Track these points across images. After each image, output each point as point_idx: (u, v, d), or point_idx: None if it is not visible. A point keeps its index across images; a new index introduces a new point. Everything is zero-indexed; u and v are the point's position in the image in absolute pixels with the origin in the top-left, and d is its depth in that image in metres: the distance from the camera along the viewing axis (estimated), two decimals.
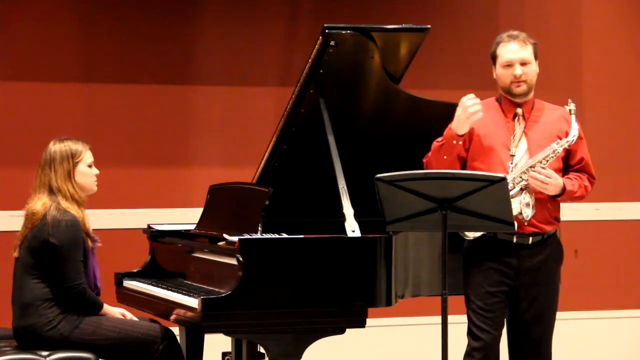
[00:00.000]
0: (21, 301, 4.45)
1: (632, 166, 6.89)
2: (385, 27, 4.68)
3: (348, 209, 4.33)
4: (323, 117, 4.56)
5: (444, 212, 4.02)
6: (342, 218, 4.32)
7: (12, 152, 6.01)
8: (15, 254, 4.53)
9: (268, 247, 4.20)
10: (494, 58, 4.48)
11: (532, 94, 4.48)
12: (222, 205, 4.89)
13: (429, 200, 4.03)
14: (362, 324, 4.26)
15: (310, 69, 4.59)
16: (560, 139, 4.39)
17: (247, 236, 4.23)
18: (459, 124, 4.33)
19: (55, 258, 4.41)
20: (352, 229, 4.28)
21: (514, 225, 4.08)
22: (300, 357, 4.23)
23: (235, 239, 4.20)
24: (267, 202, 4.40)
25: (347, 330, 4.28)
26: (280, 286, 4.17)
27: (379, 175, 4.04)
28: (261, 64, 6.34)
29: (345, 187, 4.38)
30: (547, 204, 4.41)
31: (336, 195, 4.37)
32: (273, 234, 4.35)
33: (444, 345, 4.08)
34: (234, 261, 4.20)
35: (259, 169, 4.91)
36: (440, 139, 4.41)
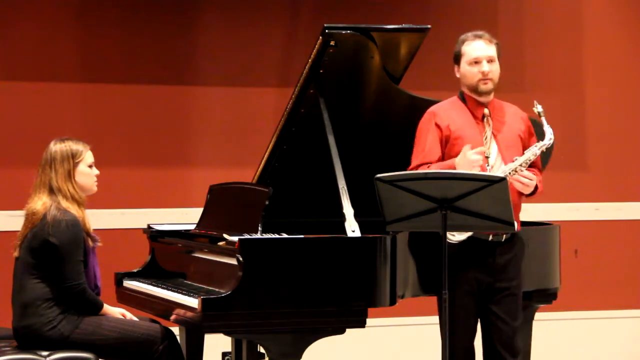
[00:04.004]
0: (21, 301, 4.45)
1: (632, 166, 6.90)
2: (385, 27, 4.68)
3: (348, 209, 4.33)
4: (323, 117, 4.56)
5: (444, 212, 4.02)
6: (342, 218, 4.32)
7: (12, 152, 6.00)
8: (16, 254, 4.53)
9: (268, 247, 4.20)
10: (458, 56, 4.52)
11: (493, 94, 4.52)
12: (222, 205, 4.89)
13: (429, 200, 4.03)
14: (362, 324, 4.27)
15: (310, 69, 4.59)
16: (521, 138, 4.47)
17: (247, 236, 4.23)
18: (459, 167, 4.34)
19: (56, 258, 4.41)
20: (352, 229, 4.28)
21: (514, 225, 4.09)
22: (300, 357, 4.23)
23: (235, 239, 4.20)
24: (267, 202, 4.40)
25: (347, 330, 4.28)
26: (280, 286, 4.17)
27: (379, 175, 4.04)
28: (261, 64, 6.35)
29: (345, 187, 4.38)
30: (517, 203, 4.48)
31: (336, 195, 4.37)
32: (273, 234, 4.35)
33: (444, 345, 4.08)
34: (234, 261, 4.20)
35: (259, 169, 4.91)
36: (435, 167, 4.41)
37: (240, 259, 4.14)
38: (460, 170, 4.33)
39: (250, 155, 5.44)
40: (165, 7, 6.23)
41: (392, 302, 4.32)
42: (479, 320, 4.52)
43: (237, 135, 6.30)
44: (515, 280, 4.49)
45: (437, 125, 4.50)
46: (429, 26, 4.72)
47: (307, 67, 4.59)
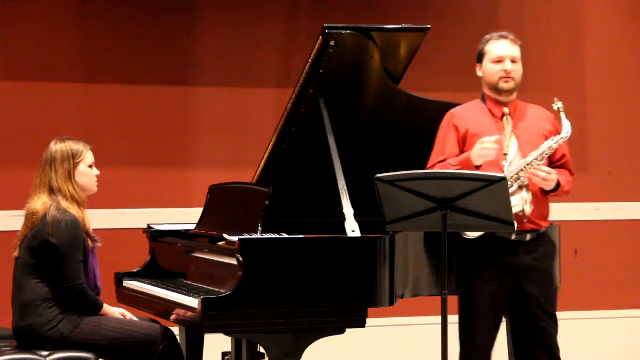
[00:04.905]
0: (21, 301, 4.45)
1: (632, 166, 6.90)
2: (385, 27, 4.68)
3: (348, 209, 4.33)
4: (323, 117, 4.56)
5: (444, 212, 4.02)
6: (342, 218, 4.32)
7: (12, 152, 6.00)
8: (16, 254, 4.53)
9: (268, 247, 4.20)
10: (481, 55, 4.54)
11: (515, 94, 4.53)
12: (222, 205, 4.89)
13: (429, 200, 4.03)
14: (362, 324, 4.26)
15: (310, 69, 4.59)
16: (547, 137, 4.44)
17: (247, 236, 4.23)
18: (475, 158, 4.38)
19: (56, 258, 4.41)
20: (352, 229, 4.28)
21: (513, 225, 4.09)
22: (300, 357, 4.23)
23: (235, 239, 4.20)
24: (267, 202, 4.40)
25: (347, 330, 4.28)
26: (280, 286, 4.17)
27: (378, 175, 4.04)
28: (261, 64, 6.34)
29: (345, 187, 4.38)
30: (541, 200, 4.47)
31: (336, 195, 4.37)
32: (273, 234, 4.35)
33: (444, 345, 4.08)
34: (234, 261, 4.20)
35: (259, 169, 4.91)
36: (453, 162, 4.44)
37: (240, 259, 4.14)
38: (474, 161, 4.35)
39: (250, 155, 5.43)
40: (166, 7, 6.23)
41: (392, 302, 4.32)
42: (499, 322, 4.50)
43: (237, 135, 6.30)
44: (546, 287, 4.46)
45: (455, 126, 4.53)
46: (429, 26, 4.72)
47: (307, 67, 4.59)
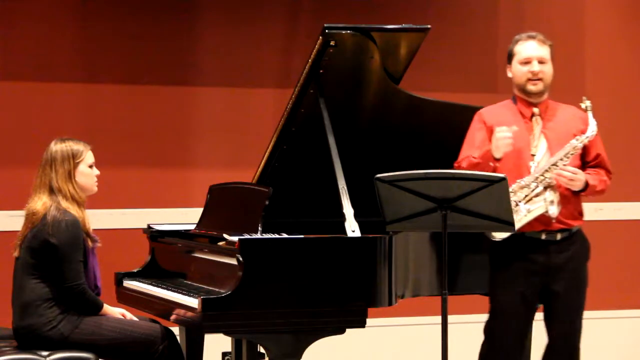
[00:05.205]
0: (21, 301, 4.45)
1: (632, 166, 6.89)
2: (385, 27, 4.68)
3: (348, 209, 4.33)
4: (323, 117, 4.56)
5: (444, 212, 4.02)
6: (342, 218, 4.32)
7: (12, 152, 6.00)
8: (16, 254, 4.53)
9: (268, 247, 4.20)
10: (510, 56, 4.51)
11: (546, 95, 4.51)
12: (222, 205, 4.89)
13: (429, 200, 4.03)
14: (362, 324, 4.26)
15: (310, 69, 4.59)
16: (575, 136, 4.41)
17: (247, 236, 4.23)
18: (495, 150, 4.37)
19: (56, 258, 4.41)
20: (352, 229, 4.28)
21: (513, 225, 4.09)
22: (300, 357, 4.23)
23: (235, 239, 4.20)
24: (267, 202, 4.40)
25: (347, 330, 4.28)
26: (280, 286, 4.17)
27: (378, 175, 4.04)
28: (261, 64, 6.34)
29: (345, 187, 4.38)
30: (571, 199, 4.44)
31: (336, 195, 4.37)
32: (273, 234, 4.35)
33: (444, 345, 4.08)
34: (234, 261, 4.20)
35: (259, 169, 4.91)
36: (476, 155, 4.43)
37: (240, 259, 4.14)
38: (494, 152, 4.34)
39: (250, 155, 5.43)
40: (166, 7, 6.22)
41: (391, 302, 4.31)
42: (529, 324, 4.49)
43: (237, 135, 6.30)
44: (574, 288, 4.46)
45: (483, 121, 4.51)
46: (429, 26, 4.72)
47: (307, 67, 4.59)
